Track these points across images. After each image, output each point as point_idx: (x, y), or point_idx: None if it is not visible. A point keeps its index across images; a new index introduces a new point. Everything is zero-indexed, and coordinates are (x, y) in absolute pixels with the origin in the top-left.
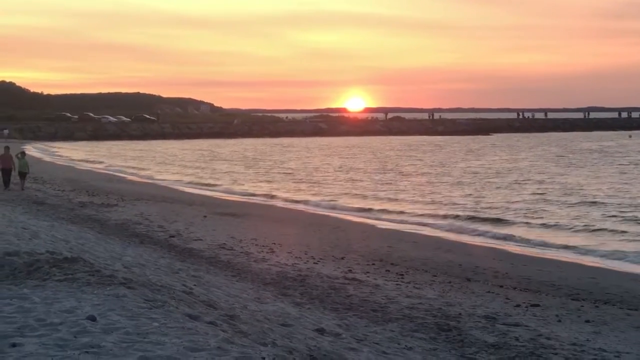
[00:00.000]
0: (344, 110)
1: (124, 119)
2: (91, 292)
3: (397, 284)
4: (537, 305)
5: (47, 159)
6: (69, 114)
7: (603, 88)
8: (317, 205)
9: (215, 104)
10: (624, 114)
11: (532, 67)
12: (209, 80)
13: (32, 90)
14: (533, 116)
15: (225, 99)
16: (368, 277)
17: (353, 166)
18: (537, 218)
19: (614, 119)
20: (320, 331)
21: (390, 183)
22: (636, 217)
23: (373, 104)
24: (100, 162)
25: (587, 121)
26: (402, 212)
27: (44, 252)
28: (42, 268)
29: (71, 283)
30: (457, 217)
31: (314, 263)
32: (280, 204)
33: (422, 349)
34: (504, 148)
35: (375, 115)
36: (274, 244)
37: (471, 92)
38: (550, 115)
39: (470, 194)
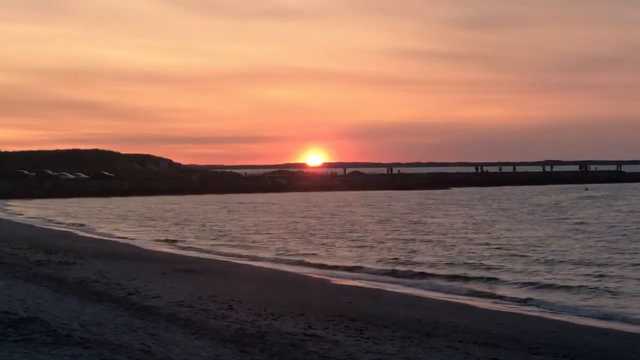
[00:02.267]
0: (303, 165)
1: (83, 175)
2: (47, 352)
3: (356, 340)
4: None
5: (3, 216)
6: (26, 172)
7: (561, 142)
8: (274, 261)
9: (174, 160)
10: (591, 167)
11: (491, 120)
12: (167, 136)
13: None
14: (500, 170)
15: (184, 155)
16: (327, 332)
17: (319, 223)
18: (494, 272)
19: (571, 172)
20: None
21: (346, 237)
22: (599, 271)
23: (332, 159)
24: (59, 220)
25: (545, 175)
26: (359, 268)
27: (0, 312)
28: None
29: (27, 344)
30: (414, 272)
31: (274, 319)
32: (239, 260)
33: None
34: (459, 203)
35: (334, 170)
36: (233, 300)
37: (429, 146)
38: (507, 169)
39: (426, 249)
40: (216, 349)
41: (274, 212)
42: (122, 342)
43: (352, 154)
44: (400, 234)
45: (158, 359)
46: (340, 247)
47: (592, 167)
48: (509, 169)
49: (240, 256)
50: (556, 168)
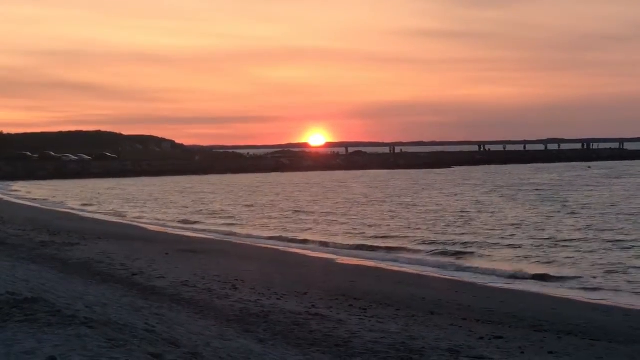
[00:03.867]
0: (305, 145)
1: (85, 157)
2: (52, 332)
3: (360, 319)
4: (500, 337)
5: (7, 198)
6: (29, 153)
7: (564, 120)
8: (277, 240)
9: (177, 141)
10: (594, 145)
11: (494, 99)
12: (169, 117)
13: None
14: (504, 148)
15: (187, 136)
16: (331, 312)
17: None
18: (494, 252)
19: (574, 150)
20: None
21: (348, 216)
22: (599, 249)
23: (334, 138)
24: (62, 201)
25: (548, 153)
26: (363, 246)
27: (4, 293)
28: (2, 309)
29: (32, 324)
30: (419, 250)
31: (277, 299)
32: (240, 240)
33: None
34: (456, 182)
35: (336, 149)
36: (237, 280)
37: (432, 125)
38: (510, 147)
39: (428, 228)
40: (220, 329)
41: (268, 192)
42: (126, 322)
43: (355, 133)
44: (397, 214)
45: (163, 339)
46: (335, 225)
47: (595, 145)
48: (519, 147)
49: (241, 236)
50: (567, 146)
